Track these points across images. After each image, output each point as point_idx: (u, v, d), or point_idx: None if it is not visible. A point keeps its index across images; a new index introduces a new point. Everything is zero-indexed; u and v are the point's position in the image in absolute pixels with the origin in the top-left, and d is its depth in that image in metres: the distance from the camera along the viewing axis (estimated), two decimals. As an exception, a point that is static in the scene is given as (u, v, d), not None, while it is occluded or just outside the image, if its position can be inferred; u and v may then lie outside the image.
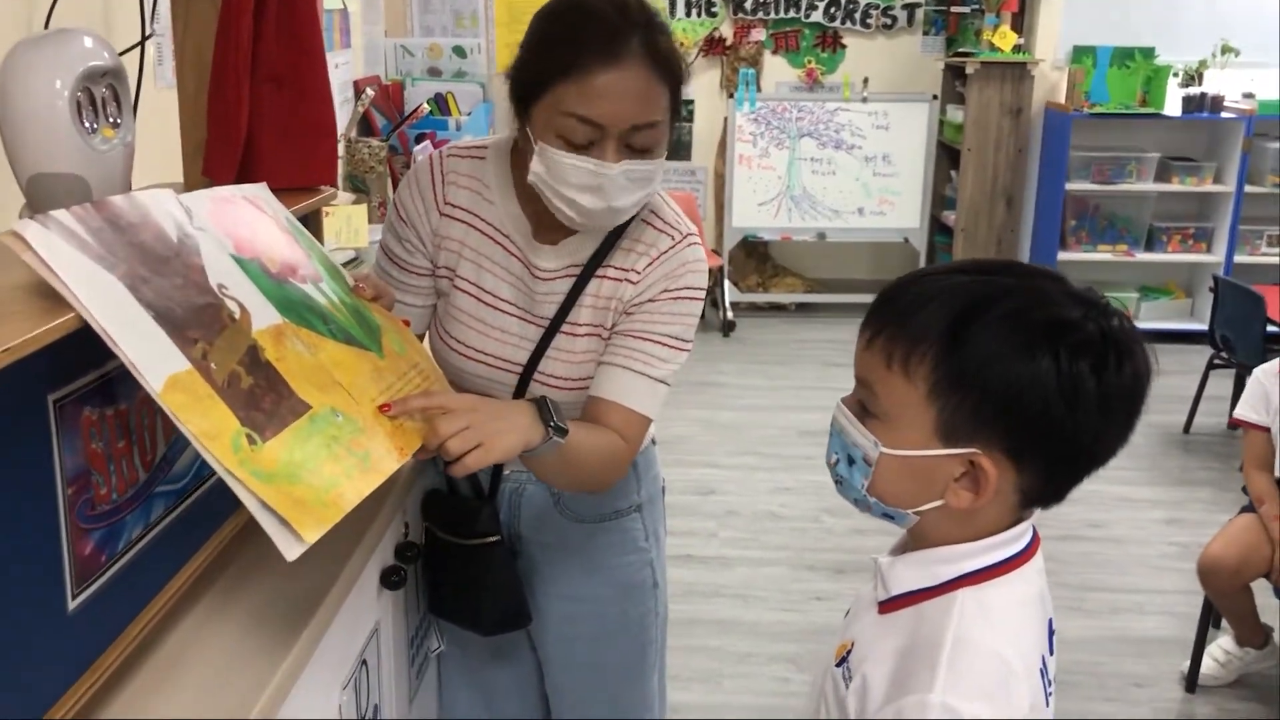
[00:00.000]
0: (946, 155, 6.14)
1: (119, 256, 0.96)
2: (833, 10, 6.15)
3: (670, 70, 1.37)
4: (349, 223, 2.47)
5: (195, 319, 1.01)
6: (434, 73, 4.05)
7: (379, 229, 2.81)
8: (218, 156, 1.44)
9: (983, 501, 0.98)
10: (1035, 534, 1.05)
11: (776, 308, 6.29)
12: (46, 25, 1.84)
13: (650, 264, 1.49)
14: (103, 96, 1.11)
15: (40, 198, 1.08)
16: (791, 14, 6.17)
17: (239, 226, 1.18)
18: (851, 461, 1.04)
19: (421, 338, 1.63)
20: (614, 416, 1.47)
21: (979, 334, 0.95)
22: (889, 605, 1.04)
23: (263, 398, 1.04)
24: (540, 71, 1.37)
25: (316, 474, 1.04)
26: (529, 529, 1.68)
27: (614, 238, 1.50)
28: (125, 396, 1.05)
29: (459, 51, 4.03)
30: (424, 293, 1.58)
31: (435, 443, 1.24)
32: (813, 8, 6.15)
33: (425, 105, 3.64)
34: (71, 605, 0.98)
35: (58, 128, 1.04)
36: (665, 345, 1.49)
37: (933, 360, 0.96)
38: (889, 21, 6.16)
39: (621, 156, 1.36)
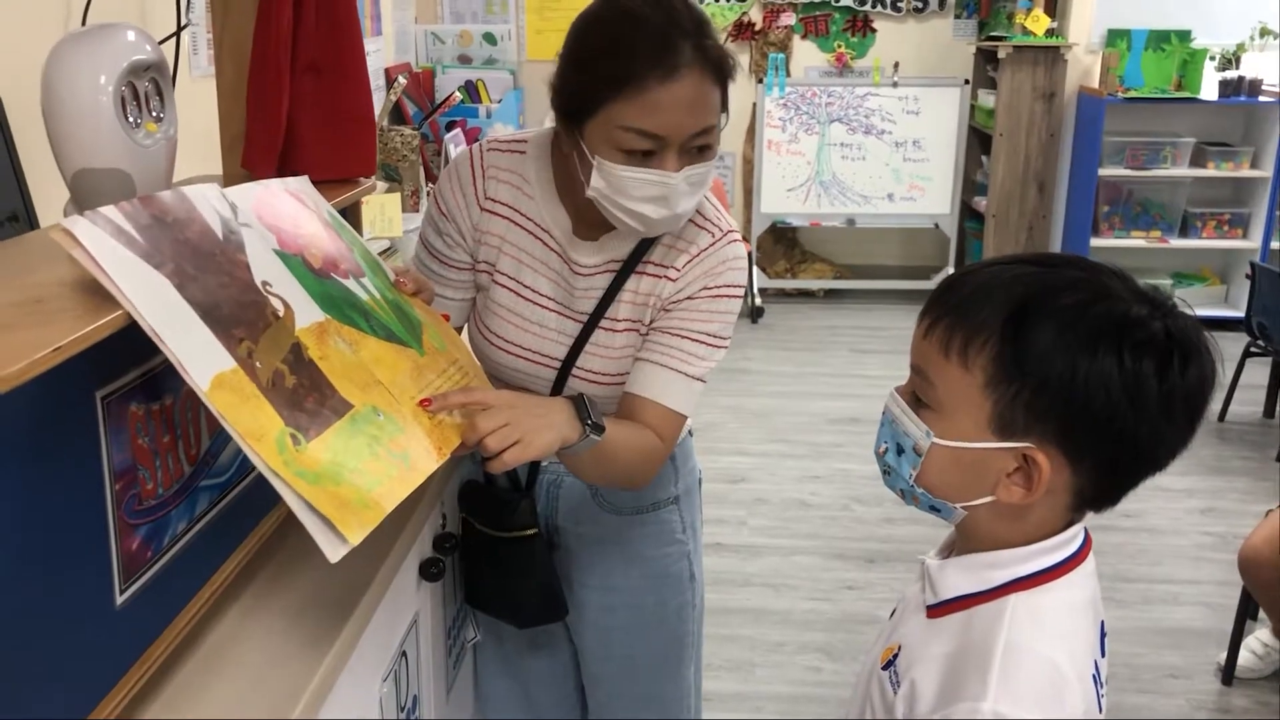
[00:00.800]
0: (978, 140, 6.09)
1: (166, 253, 0.96)
2: (863, -6, 6.10)
3: (722, 72, 1.36)
4: (383, 212, 2.47)
5: (240, 317, 1.00)
6: (464, 60, 4.04)
7: (413, 218, 2.81)
8: (258, 148, 1.44)
9: (1034, 498, 0.97)
10: (1087, 537, 1.03)
11: (805, 294, 6.26)
12: (84, 18, 1.84)
13: (690, 260, 1.48)
14: (145, 90, 1.11)
15: (85, 193, 1.08)
16: (821, -2, 6.12)
17: (282, 221, 1.18)
18: (900, 451, 1.03)
19: (460, 331, 1.62)
20: (650, 414, 1.47)
21: (1041, 326, 0.93)
22: (938, 610, 1.03)
23: (306, 397, 1.03)
24: (592, 86, 1.34)
25: (359, 474, 1.04)
26: (567, 520, 1.67)
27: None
28: (170, 391, 1.05)
29: (489, 38, 4.02)
30: (464, 287, 1.58)
31: (474, 439, 1.24)
32: (843, -9, 6.10)
33: (457, 94, 3.63)
34: (119, 600, 0.98)
35: (102, 123, 1.04)
36: (703, 343, 1.48)
37: (992, 350, 0.95)
38: (920, 5, 6.10)
39: (683, 163, 1.35)
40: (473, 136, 3.84)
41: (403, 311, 1.31)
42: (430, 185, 3.27)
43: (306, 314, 1.11)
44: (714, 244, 1.49)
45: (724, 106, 1.39)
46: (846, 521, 3.71)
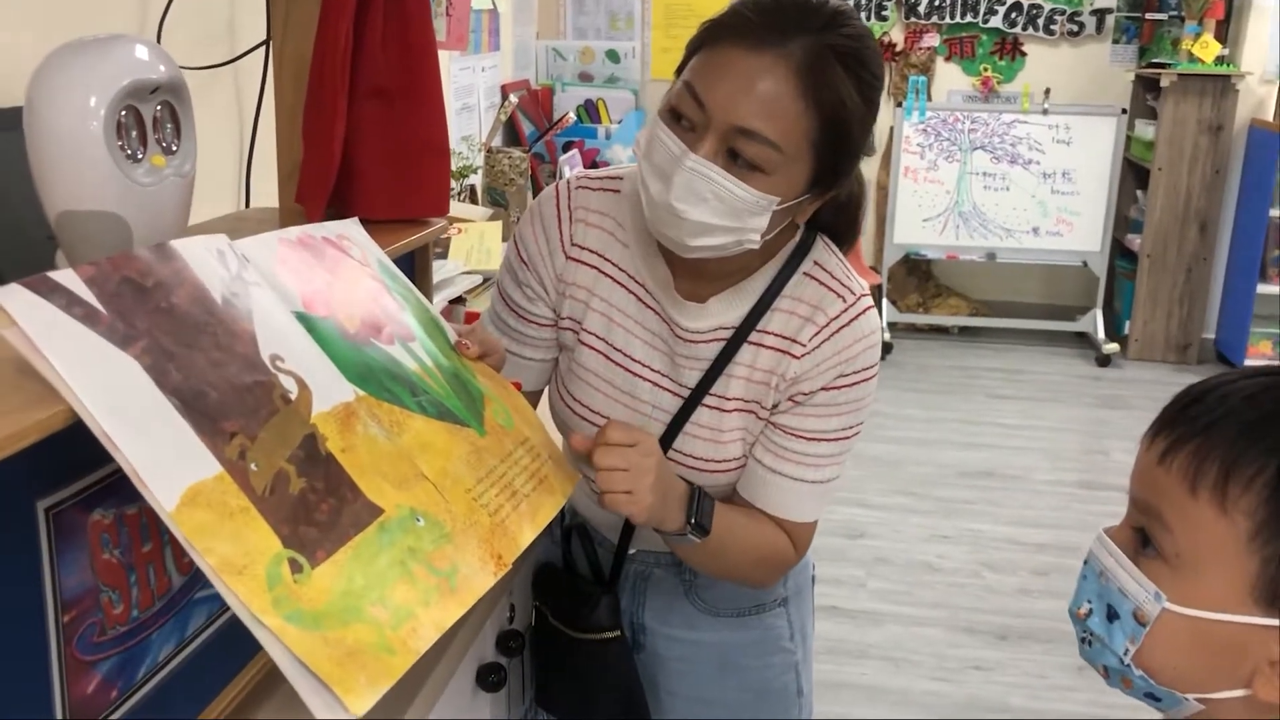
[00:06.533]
0: (1133, 174, 5.66)
1: (139, 327, 0.76)
2: (1014, 15, 5.73)
3: (826, 101, 1.09)
4: (481, 241, 2.28)
5: (235, 404, 0.80)
6: (585, 77, 3.86)
7: (514, 247, 2.62)
8: (311, 181, 1.24)
9: None
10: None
11: (938, 330, 5.91)
12: (159, 34, 1.69)
13: (818, 334, 1.23)
14: (155, 117, 0.91)
15: (71, 240, 0.89)
16: (968, 19, 5.77)
17: (313, 276, 0.98)
18: (1113, 616, 0.77)
19: (540, 395, 1.40)
20: (778, 522, 1.28)
21: None
22: None
23: (318, 504, 0.82)
24: (692, 42, 1.16)
25: (382, 604, 0.82)
26: (654, 619, 1.44)
27: (771, 296, 1.25)
28: (155, 489, 0.85)
29: (612, 56, 3.83)
30: (545, 345, 1.36)
31: (587, 449, 1.14)
32: (992, 12, 5.75)
33: (571, 115, 3.44)
34: (67, 757, 0.78)
35: (89, 155, 0.84)
36: (839, 440, 1.24)
37: (1264, 490, 0.70)
38: (1075, 28, 5.71)
39: (716, 159, 1.10)
40: (590, 158, 3.65)
41: (462, 381, 1.09)
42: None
43: (330, 393, 0.90)
44: (846, 314, 1.23)
45: (821, 159, 1.13)
46: (976, 590, 3.38)
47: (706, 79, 1.11)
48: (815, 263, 1.26)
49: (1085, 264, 5.60)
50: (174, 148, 0.94)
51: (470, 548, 0.93)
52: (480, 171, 2.87)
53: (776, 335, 1.25)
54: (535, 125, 3.57)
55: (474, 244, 2.26)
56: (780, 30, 1.09)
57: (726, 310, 1.26)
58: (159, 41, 1.69)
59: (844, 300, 1.24)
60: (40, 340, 0.69)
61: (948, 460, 4.31)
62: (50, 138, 0.85)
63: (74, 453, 0.75)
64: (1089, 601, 0.80)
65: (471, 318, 2.03)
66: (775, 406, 1.26)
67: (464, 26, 3.00)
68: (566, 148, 3.51)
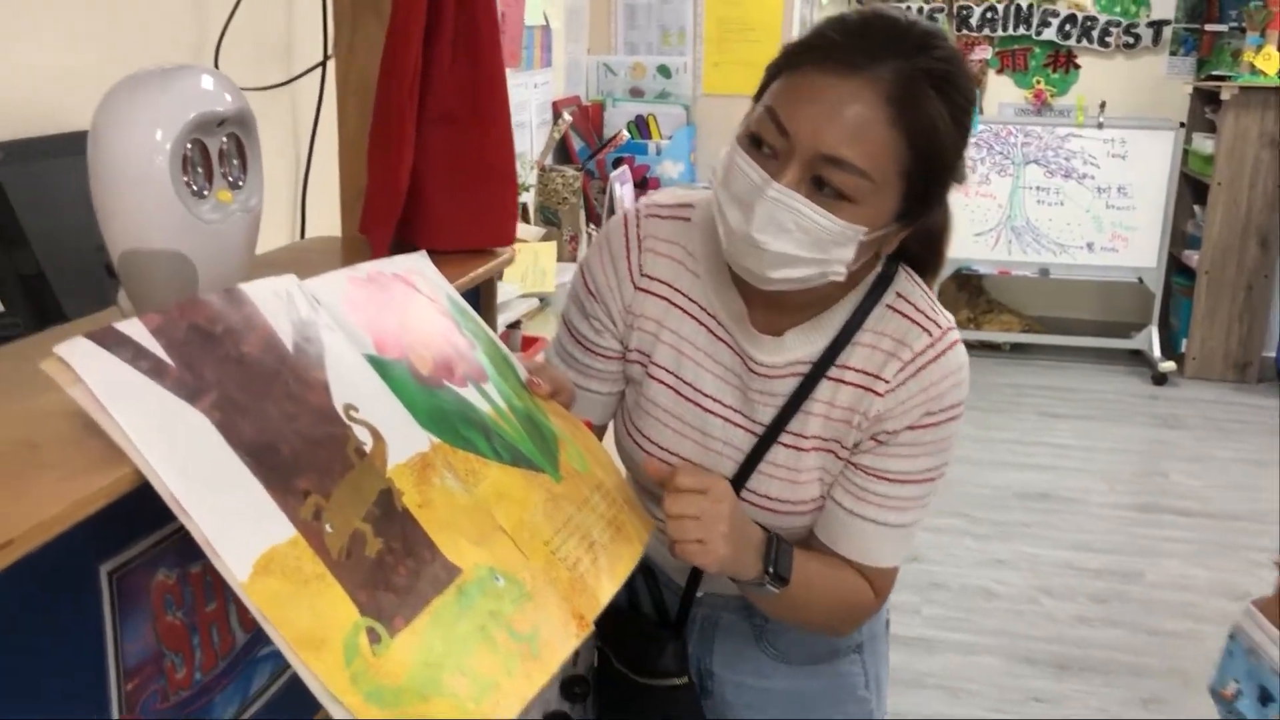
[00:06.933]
0: (1191, 188, 5.54)
1: (208, 379, 0.71)
2: (1068, 28, 5.64)
3: (919, 127, 1.04)
4: (536, 263, 2.23)
5: (309, 460, 0.75)
6: (636, 93, 3.81)
7: (568, 268, 2.57)
8: (377, 210, 1.20)
9: None
10: None
11: (989, 347, 5.80)
12: (217, 53, 1.65)
13: (902, 370, 1.17)
14: (221, 149, 0.87)
15: (134, 279, 0.84)
16: (1021, 31, 5.69)
17: (384, 316, 0.93)
18: (1268, 699, 0.71)
19: (605, 430, 1.35)
20: (858, 568, 1.22)
21: None
22: None
23: (395, 566, 0.77)
24: (772, 65, 1.11)
25: (463, 674, 0.76)
26: (723, 666, 1.38)
27: (852, 330, 1.19)
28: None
29: (663, 71, 3.77)
30: (611, 379, 1.30)
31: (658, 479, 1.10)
32: (1045, 25, 5.66)
33: (625, 132, 3.40)
34: (128, 832, 0.74)
35: (153, 192, 0.80)
36: (924, 481, 1.18)
37: None
38: (1131, 40, 5.60)
39: (799, 188, 1.04)
40: (639, 174, 3.60)
41: (535, 424, 1.04)
42: (591, 228, 3.03)
43: (406, 443, 0.85)
44: (932, 348, 1.17)
45: (912, 190, 1.07)
46: (1034, 617, 3.29)
47: (791, 104, 1.05)
48: (898, 294, 1.20)
49: (1141, 280, 5.48)
50: (240, 182, 0.89)
51: (551, 607, 0.88)
52: (533, 190, 2.83)
53: (858, 371, 1.19)
54: (586, 142, 3.52)
55: (529, 265, 2.22)
56: (869, 53, 1.03)
57: (804, 344, 1.20)
58: (217, 61, 1.66)
59: (930, 334, 1.18)
60: (106, 398, 0.64)
61: (1002, 481, 4.22)
62: (114, 173, 0.80)
63: (138, 512, 0.70)
64: (1236, 681, 0.73)
65: (529, 343, 1.98)
66: (856, 446, 1.20)
67: (516, 43, 2.96)
68: (616, 163, 3.46)
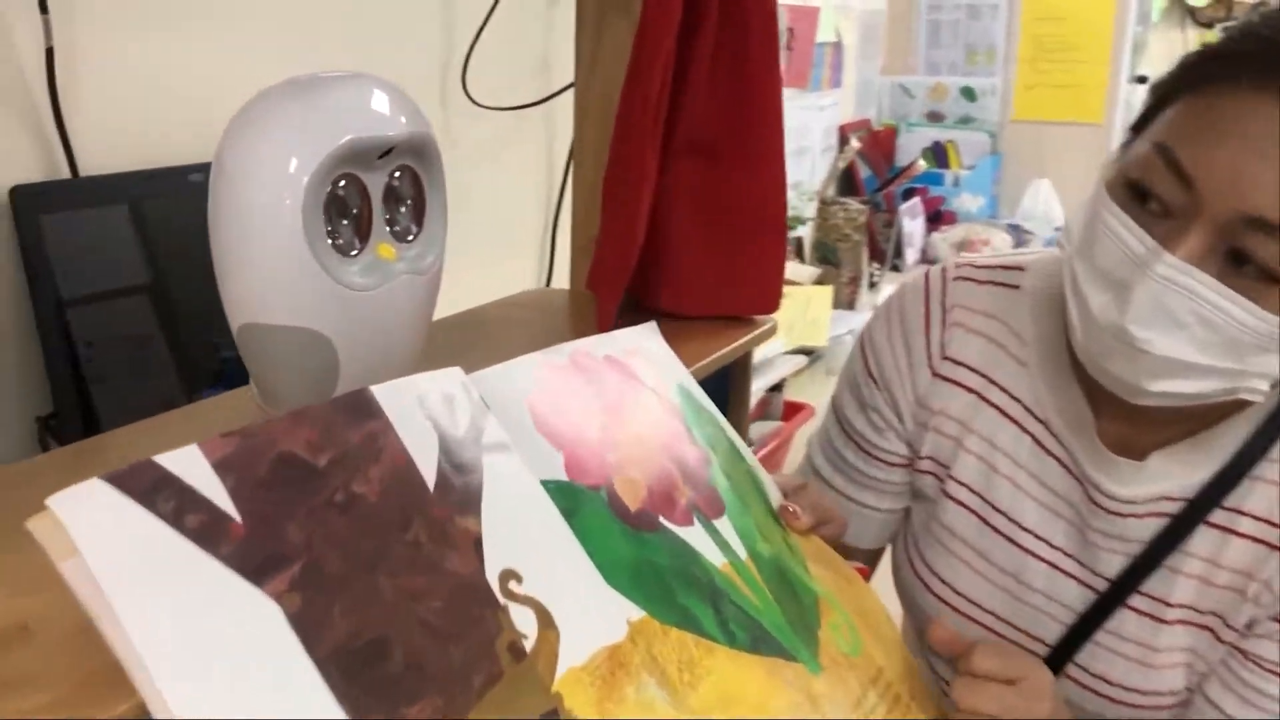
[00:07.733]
0: None
1: (292, 541, 0.48)
2: None
3: None
4: (806, 310, 1.94)
5: (434, 668, 0.50)
6: (934, 117, 3.45)
7: (845, 316, 2.27)
8: (609, 262, 0.95)
9: None
10: None
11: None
12: (464, 72, 1.47)
13: None
14: (389, 187, 0.64)
15: (258, 364, 0.63)
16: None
17: (585, 420, 0.67)
18: None
19: (879, 555, 1.05)
20: None
21: None
22: None
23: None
24: (1157, 88, 0.79)
25: None
26: None
27: (1249, 460, 0.84)
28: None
29: (968, 94, 3.40)
30: (894, 492, 1.00)
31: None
32: None
33: (921, 162, 3.06)
34: None
35: (279, 245, 0.58)
36: None
37: None
38: None
39: (1207, 265, 0.71)
40: (933, 207, 3.24)
41: (788, 580, 0.75)
42: (875, 268, 2.71)
43: (590, 631, 0.58)
44: None
45: None
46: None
47: (1197, 141, 0.72)
48: None
49: None
50: (412, 232, 0.66)
51: None
52: (809, 224, 2.54)
53: (1257, 519, 0.83)
54: (874, 171, 3.21)
55: (798, 314, 1.93)
56: None
57: (1177, 473, 0.86)
58: (464, 80, 1.48)
59: None
60: (113, 586, 0.41)
61: None
62: (231, 219, 0.59)
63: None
64: None
65: (792, 411, 1.69)
66: (1249, 626, 0.85)
67: (806, 61, 2.69)
68: (907, 195, 3.13)
